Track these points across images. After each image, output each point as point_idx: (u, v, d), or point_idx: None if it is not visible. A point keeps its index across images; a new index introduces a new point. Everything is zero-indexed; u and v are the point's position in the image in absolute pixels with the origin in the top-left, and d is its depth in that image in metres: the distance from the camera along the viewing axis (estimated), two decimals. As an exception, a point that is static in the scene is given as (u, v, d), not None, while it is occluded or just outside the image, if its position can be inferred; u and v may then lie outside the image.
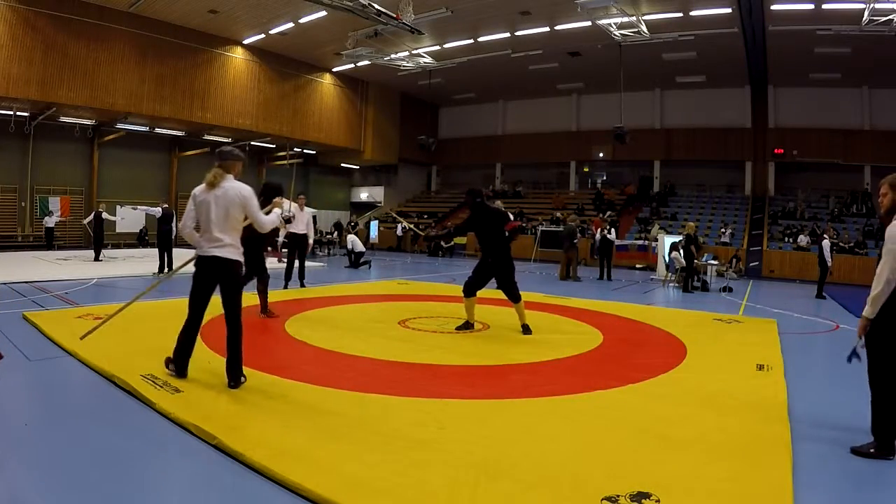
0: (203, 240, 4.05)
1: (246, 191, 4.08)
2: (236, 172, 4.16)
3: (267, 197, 7.22)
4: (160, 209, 12.14)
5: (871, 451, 3.19)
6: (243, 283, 4.28)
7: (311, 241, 9.86)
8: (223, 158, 4.15)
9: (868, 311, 3.24)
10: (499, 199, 24.84)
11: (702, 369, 5.06)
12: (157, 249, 12.09)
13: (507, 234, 6.29)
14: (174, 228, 11.74)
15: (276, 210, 4.71)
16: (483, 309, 6.99)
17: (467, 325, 6.53)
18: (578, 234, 15.26)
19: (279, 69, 21.93)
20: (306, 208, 9.76)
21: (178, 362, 4.12)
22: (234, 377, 3.98)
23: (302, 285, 9.80)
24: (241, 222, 4.14)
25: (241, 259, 4.13)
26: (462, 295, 6.49)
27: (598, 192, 25.42)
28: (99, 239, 14.16)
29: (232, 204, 4.01)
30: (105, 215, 14.33)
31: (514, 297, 6.36)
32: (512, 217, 6.50)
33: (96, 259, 13.80)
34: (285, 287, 9.34)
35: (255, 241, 6.42)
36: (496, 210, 6.47)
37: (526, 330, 6.35)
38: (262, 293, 6.92)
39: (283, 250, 11.32)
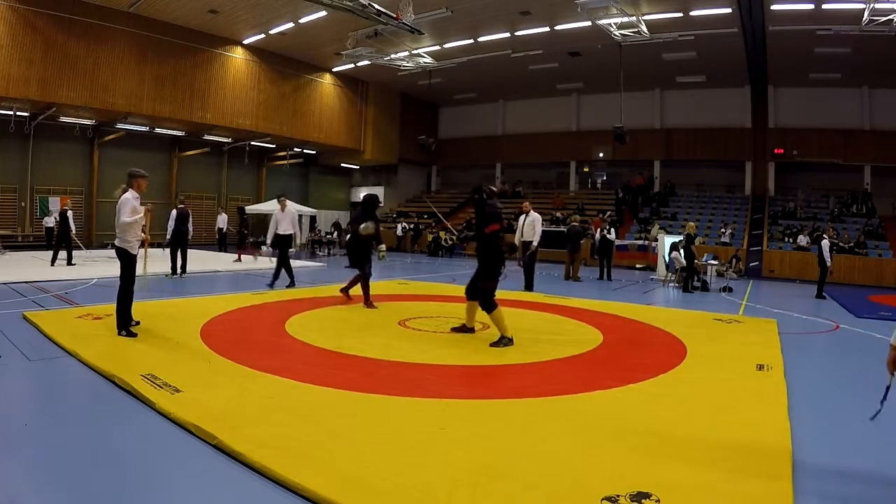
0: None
1: (122, 200, 5.49)
2: (137, 186, 5.61)
3: (365, 208, 8.12)
4: (174, 210, 11.45)
5: None
6: (131, 261, 5.65)
7: (298, 240, 10.32)
8: (128, 177, 5.64)
9: None
10: (498, 198, 24.76)
11: (702, 369, 5.06)
12: (159, 249, 11.92)
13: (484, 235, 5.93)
14: (190, 230, 11.39)
15: (140, 213, 5.65)
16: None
17: (464, 329, 6.36)
18: (584, 234, 15.23)
19: (279, 69, 21.93)
20: (289, 206, 10.34)
21: (122, 317, 5.57)
22: (119, 325, 5.49)
23: (291, 283, 10.02)
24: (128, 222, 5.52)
25: (125, 246, 5.53)
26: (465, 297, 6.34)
27: (624, 186, 24.96)
28: (63, 240, 12.25)
29: (118, 209, 5.49)
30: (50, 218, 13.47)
31: (481, 302, 5.88)
32: (501, 221, 6.07)
33: (53, 263, 11.83)
34: (271, 286, 9.62)
35: (359, 242, 8.03)
36: (485, 211, 6.07)
37: (499, 342, 5.72)
38: (362, 286, 8.13)
39: (262, 248, 12.32)
